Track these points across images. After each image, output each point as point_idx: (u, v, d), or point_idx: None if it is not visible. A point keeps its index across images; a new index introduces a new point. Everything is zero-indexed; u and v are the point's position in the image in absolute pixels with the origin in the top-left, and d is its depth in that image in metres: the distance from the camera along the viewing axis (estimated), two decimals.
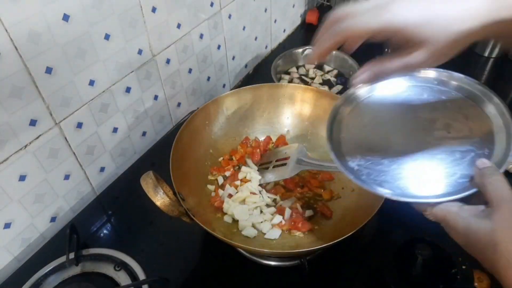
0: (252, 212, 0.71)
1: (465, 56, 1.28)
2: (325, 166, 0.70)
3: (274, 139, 0.86)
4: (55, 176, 0.71)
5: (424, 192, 0.44)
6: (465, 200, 0.41)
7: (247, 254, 0.70)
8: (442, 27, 0.38)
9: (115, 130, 0.80)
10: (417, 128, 0.49)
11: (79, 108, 0.70)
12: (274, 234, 0.68)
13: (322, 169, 0.72)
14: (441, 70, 0.51)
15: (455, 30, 0.38)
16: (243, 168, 0.78)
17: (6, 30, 0.54)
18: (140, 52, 0.77)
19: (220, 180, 0.77)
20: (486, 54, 1.17)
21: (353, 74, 1.04)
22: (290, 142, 0.85)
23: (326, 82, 1.08)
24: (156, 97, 0.87)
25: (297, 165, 0.73)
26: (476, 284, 0.61)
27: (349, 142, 0.51)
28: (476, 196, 0.40)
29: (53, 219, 0.75)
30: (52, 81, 0.63)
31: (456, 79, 0.51)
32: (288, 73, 1.11)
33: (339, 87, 1.05)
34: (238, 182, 0.75)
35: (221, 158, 0.81)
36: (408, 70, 0.42)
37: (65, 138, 0.70)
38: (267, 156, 0.80)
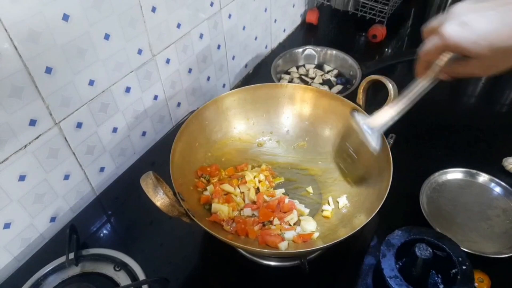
0: None
1: None
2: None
3: (273, 138, 0.86)
4: (55, 176, 0.71)
5: None
6: None
7: (247, 254, 0.70)
8: (491, 43, 0.42)
9: (114, 130, 0.80)
10: None
11: (78, 108, 0.70)
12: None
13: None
14: None
15: (505, 45, 0.41)
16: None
17: (6, 30, 0.54)
18: (140, 52, 0.77)
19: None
20: None
21: (353, 74, 1.05)
22: (291, 142, 0.85)
23: (326, 82, 1.08)
24: (156, 97, 0.87)
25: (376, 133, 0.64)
26: (476, 284, 0.61)
27: None
28: None
29: (52, 219, 0.75)
30: (52, 81, 0.63)
31: None
32: (288, 73, 1.11)
33: (339, 87, 1.05)
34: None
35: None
36: (467, 76, 0.48)
37: (65, 138, 0.70)
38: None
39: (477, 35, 0.42)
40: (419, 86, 0.55)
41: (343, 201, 0.73)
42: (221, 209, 0.69)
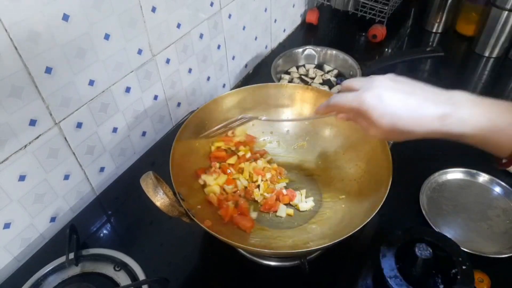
0: None
1: (465, 56, 1.29)
2: None
3: (273, 139, 0.86)
4: (55, 176, 0.71)
5: None
6: None
7: (247, 254, 0.70)
8: (392, 122, 0.48)
9: (114, 130, 0.80)
10: None
11: (78, 108, 0.70)
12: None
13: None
14: None
15: (401, 128, 0.49)
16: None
17: (6, 30, 0.54)
18: (140, 52, 0.77)
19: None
20: (487, 54, 1.17)
21: (353, 74, 1.05)
22: (291, 142, 0.85)
23: (326, 82, 1.08)
24: (156, 97, 0.87)
25: None
26: (476, 284, 0.61)
27: None
28: None
29: (52, 219, 0.75)
30: (52, 81, 0.63)
31: None
32: (288, 73, 1.11)
33: (339, 87, 1.05)
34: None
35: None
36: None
37: (65, 138, 0.70)
38: None
39: (385, 111, 0.48)
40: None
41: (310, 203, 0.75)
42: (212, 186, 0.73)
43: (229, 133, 0.81)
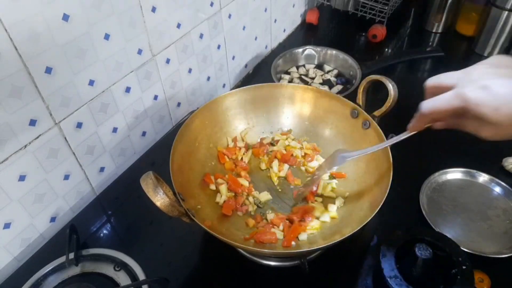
0: None
1: (465, 56, 1.29)
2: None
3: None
4: (55, 176, 0.71)
5: None
6: None
7: (247, 254, 0.70)
8: (508, 114, 0.40)
9: (114, 130, 0.80)
10: None
11: (78, 108, 0.70)
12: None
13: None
14: None
15: None
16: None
17: (6, 30, 0.54)
18: (140, 52, 0.77)
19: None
20: (487, 54, 1.17)
21: (353, 74, 1.05)
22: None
23: (326, 82, 1.08)
24: (156, 97, 0.87)
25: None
26: (476, 284, 0.61)
27: None
28: None
29: (52, 219, 0.75)
30: (52, 81, 0.63)
31: None
32: (288, 73, 1.11)
33: (339, 87, 1.05)
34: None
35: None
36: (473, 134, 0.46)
37: (65, 138, 0.70)
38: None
39: (500, 102, 0.40)
40: (402, 136, 0.56)
41: (338, 201, 0.74)
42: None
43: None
